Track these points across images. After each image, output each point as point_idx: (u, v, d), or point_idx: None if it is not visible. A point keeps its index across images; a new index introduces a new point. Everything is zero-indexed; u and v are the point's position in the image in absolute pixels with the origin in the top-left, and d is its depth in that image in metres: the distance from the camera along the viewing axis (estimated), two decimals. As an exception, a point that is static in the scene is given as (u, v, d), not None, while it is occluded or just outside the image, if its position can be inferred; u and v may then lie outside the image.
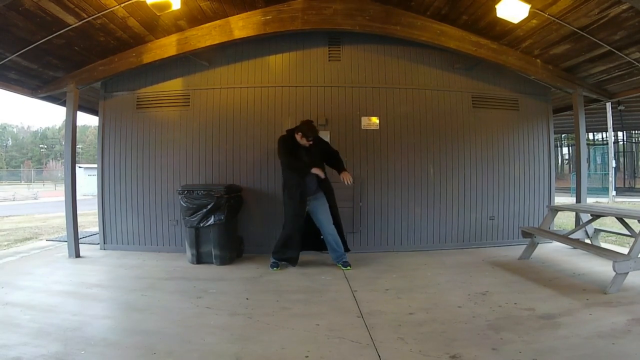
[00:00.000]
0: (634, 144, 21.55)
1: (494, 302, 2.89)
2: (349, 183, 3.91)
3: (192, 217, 4.09)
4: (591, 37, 3.84)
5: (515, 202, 5.07)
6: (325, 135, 4.50)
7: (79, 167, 22.77)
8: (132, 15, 3.75)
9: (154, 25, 4.05)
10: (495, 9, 3.63)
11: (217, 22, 4.24)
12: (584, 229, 4.39)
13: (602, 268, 3.63)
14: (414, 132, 4.86)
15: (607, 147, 14.82)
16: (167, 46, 4.33)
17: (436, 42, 4.39)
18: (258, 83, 4.76)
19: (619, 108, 9.33)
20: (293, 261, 3.97)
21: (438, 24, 4.35)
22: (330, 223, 3.94)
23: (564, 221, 7.65)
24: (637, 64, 4.11)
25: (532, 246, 4.22)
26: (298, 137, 3.88)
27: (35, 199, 19.85)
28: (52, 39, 3.73)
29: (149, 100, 4.86)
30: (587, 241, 4.45)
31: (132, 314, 2.76)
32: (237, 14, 4.20)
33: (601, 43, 3.90)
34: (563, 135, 21.66)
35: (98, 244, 4.96)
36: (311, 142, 3.87)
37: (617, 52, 3.98)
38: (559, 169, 25.55)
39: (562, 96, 5.40)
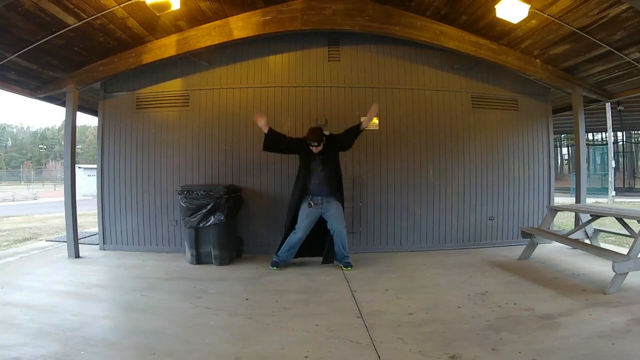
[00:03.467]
0: (633, 144, 21.58)
1: (494, 303, 2.89)
2: (374, 109, 3.97)
3: (192, 218, 4.09)
4: (591, 37, 3.85)
5: (515, 202, 5.07)
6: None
7: (79, 167, 22.79)
8: (131, 16, 3.75)
9: (153, 26, 4.05)
10: (494, 9, 3.63)
11: (217, 22, 4.24)
12: (583, 229, 4.39)
13: (602, 268, 3.64)
14: (414, 132, 4.86)
15: (607, 147, 14.84)
16: (166, 46, 4.33)
17: (436, 42, 4.39)
18: (258, 83, 4.76)
19: (618, 108, 9.34)
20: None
21: (438, 24, 4.35)
22: (343, 227, 3.94)
23: (564, 221, 7.66)
24: (636, 64, 4.11)
25: (532, 246, 4.22)
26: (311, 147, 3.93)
27: (34, 199, 19.83)
28: (52, 39, 3.73)
29: (148, 101, 4.86)
30: (587, 241, 4.45)
31: (131, 314, 2.76)
32: (237, 15, 4.20)
33: (601, 43, 3.90)
34: (563, 135, 21.70)
35: (98, 244, 4.96)
36: (319, 147, 3.89)
37: (616, 52, 3.98)
38: (559, 169, 25.60)
39: (561, 96, 5.40)
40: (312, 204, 3.89)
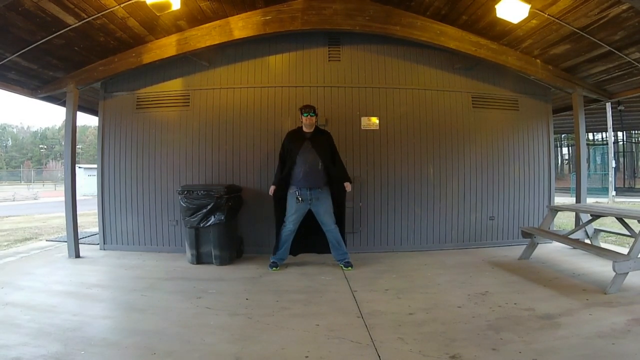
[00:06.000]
0: (633, 144, 21.58)
1: (494, 302, 2.89)
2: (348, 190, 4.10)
3: (192, 218, 4.09)
4: (591, 37, 3.84)
5: (515, 202, 5.07)
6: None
7: (79, 167, 22.80)
8: (132, 16, 3.75)
9: (153, 26, 4.05)
10: (495, 9, 3.63)
11: (217, 22, 4.24)
12: (583, 229, 4.39)
13: (602, 268, 3.63)
14: (414, 132, 4.86)
15: (607, 147, 14.83)
16: (167, 46, 4.33)
17: (436, 42, 4.38)
18: (258, 83, 4.76)
19: (618, 108, 9.35)
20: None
21: (438, 24, 4.35)
22: (332, 221, 3.93)
23: (564, 221, 7.65)
24: (636, 64, 4.11)
25: (532, 246, 4.22)
26: (302, 120, 3.97)
27: (35, 199, 19.85)
28: (52, 39, 3.72)
29: (149, 101, 4.86)
30: (587, 241, 4.45)
31: (132, 314, 2.76)
32: (237, 14, 4.20)
33: (601, 43, 3.90)
34: (563, 135, 21.70)
35: (98, 244, 4.96)
36: (312, 119, 3.93)
37: (617, 52, 3.98)
38: (559, 169, 25.60)
39: (562, 96, 5.40)
40: (300, 199, 3.86)
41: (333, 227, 3.93)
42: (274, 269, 3.92)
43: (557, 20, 3.72)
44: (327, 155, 3.96)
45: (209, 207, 4.04)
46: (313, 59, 4.80)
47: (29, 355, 2.07)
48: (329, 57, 4.82)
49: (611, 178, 14.12)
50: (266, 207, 4.67)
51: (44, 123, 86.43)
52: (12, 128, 58.18)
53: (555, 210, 4.41)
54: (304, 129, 3.99)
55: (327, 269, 3.94)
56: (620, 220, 3.78)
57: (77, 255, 4.48)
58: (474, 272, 3.76)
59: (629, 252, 3.10)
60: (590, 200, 6.38)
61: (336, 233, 3.95)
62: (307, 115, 3.92)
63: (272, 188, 4.04)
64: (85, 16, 3.54)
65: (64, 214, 4.60)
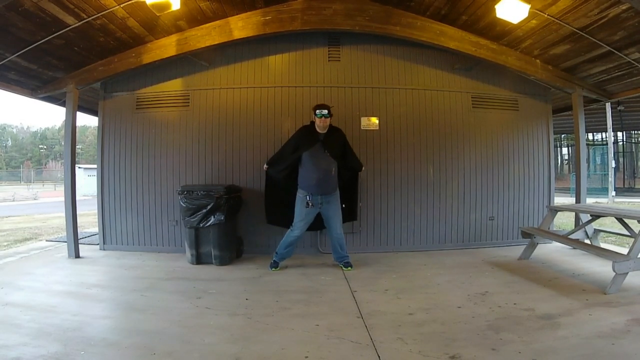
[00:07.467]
0: (633, 144, 21.60)
1: (494, 303, 2.89)
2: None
3: (192, 218, 4.09)
4: (591, 38, 3.84)
5: (515, 202, 5.07)
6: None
7: (79, 167, 22.80)
8: (131, 16, 3.75)
9: (153, 26, 4.05)
10: (494, 9, 3.63)
11: (217, 22, 4.24)
12: (583, 229, 4.39)
13: (602, 268, 3.63)
14: (414, 132, 4.86)
15: (607, 147, 14.84)
16: (166, 46, 4.33)
17: (436, 42, 4.39)
18: (258, 83, 4.76)
19: (618, 108, 9.36)
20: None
21: (438, 24, 4.35)
22: (340, 226, 3.92)
23: (564, 221, 7.65)
24: (636, 64, 4.11)
25: (532, 246, 4.22)
26: (315, 121, 3.87)
27: (35, 199, 19.85)
28: (52, 39, 3.72)
29: (148, 101, 4.86)
30: (587, 241, 4.45)
31: (132, 314, 2.76)
32: (237, 15, 4.20)
33: (601, 43, 3.90)
34: (563, 136, 21.72)
35: (98, 244, 4.96)
36: (327, 120, 3.83)
37: (616, 52, 3.98)
38: (559, 169, 25.61)
39: (561, 96, 5.40)
40: (311, 204, 3.82)
41: (339, 232, 3.93)
42: (274, 269, 3.92)
43: (557, 21, 3.72)
44: (340, 156, 3.94)
45: (208, 207, 4.04)
46: (313, 59, 4.80)
47: (29, 355, 2.07)
48: (329, 57, 4.82)
49: (611, 178, 14.13)
50: (266, 207, 4.67)
51: (44, 123, 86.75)
52: (12, 128, 58.21)
53: (555, 210, 4.42)
54: (317, 129, 3.86)
55: (327, 269, 3.95)
56: (620, 220, 3.79)
57: (77, 256, 4.48)
58: (473, 272, 3.76)
59: (628, 252, 3.10)
60: (590, 200, 6.38)
61: (341, 239, 3.95)
62: (321, 117, 3.79)
63: (265, 166, 4.08)
64: (85, 16, 3.54)
65: (63, 214, 4.60)
